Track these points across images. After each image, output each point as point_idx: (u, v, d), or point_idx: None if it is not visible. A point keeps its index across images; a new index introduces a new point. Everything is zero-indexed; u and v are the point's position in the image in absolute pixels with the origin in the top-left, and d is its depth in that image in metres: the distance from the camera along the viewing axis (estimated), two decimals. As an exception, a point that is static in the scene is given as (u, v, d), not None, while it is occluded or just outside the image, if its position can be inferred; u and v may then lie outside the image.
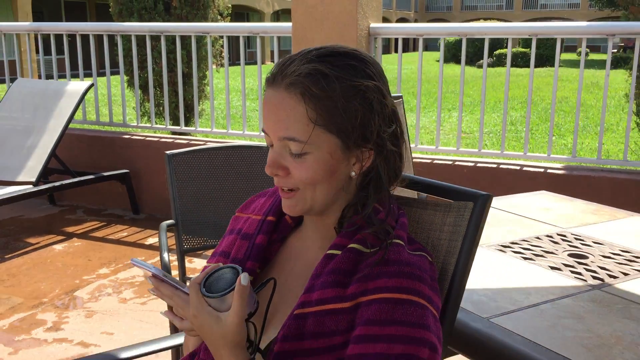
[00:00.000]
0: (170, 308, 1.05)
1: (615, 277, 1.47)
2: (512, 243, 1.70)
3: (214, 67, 4.91)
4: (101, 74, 5.24)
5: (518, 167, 3.73)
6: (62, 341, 2.76)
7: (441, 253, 1.08)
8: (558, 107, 11.15)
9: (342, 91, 0.96)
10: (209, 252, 3.86)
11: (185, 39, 5.16)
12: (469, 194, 1.08)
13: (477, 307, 1.28)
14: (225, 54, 4.39)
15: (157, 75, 5.23)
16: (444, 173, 3.81)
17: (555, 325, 1.20)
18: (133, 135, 4.81)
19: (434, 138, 7.74)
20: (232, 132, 4.58)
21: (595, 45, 31.70)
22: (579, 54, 28.56)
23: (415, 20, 45.38)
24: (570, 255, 1.61)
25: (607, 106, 11.14)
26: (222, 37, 5.12)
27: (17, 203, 4.21)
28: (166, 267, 2.00)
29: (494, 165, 3.78)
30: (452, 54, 23.12)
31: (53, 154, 4.17)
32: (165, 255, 2.04)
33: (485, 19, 31.95)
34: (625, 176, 3.50)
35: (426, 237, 1.10)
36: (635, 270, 1.52)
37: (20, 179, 4.11)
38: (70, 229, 4.32)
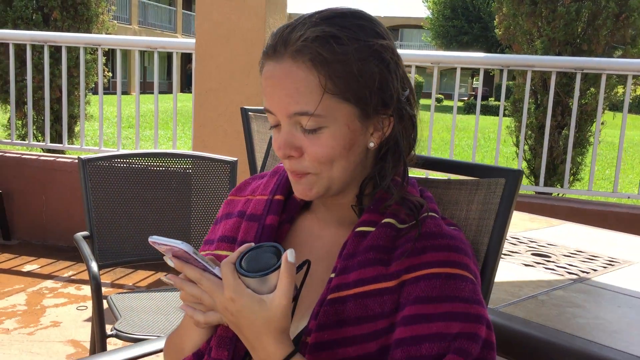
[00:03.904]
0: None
1: (587, 272, 1.49)
2: (476, 244, 1.68)
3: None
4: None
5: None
6: None
7: (470, 232, 1.02)
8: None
9: (356, 53, 0.86)
10: (124, 268, 3.55)
11: (69, 52, 4.79)
12: (498, 170, 1.03)
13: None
14: (118, 68, 4.11)
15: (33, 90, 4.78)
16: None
17: (563, 313, 1.18)
18: (6, 152, 4.34)
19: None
20: (123, 151, 4.27)
21: (447, 93, 34.15)
22: (435, 99, 30.60)
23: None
24: (534, 254, 1.63)
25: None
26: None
27: None
28: (97, 280, 1.75)
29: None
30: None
31: None
32: (94, 265, 1.78)
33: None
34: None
35: (450, 217, 1.03)
36: (600, 266, 1.55)
37: None
38: None
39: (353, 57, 0.85)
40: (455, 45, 29.39)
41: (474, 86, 40.21)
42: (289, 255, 0.81)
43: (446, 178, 1.09)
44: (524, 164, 4.77)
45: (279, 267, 0.81)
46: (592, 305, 1.24)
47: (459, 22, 29.26)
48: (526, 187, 4.13)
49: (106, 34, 5.48)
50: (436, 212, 0.95)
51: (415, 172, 1.15)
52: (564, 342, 1.05)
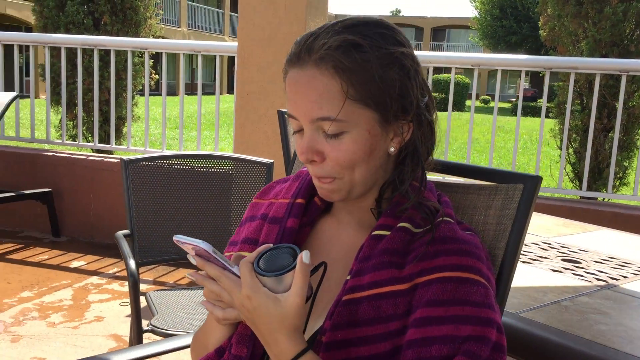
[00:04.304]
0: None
1: (616, 279, 1.47)
2: (505, 249, 1.68)
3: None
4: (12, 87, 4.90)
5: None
6: (-14, 368, 2.47)
7: (488, 237, 1.03)
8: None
9: (377, 60, 0.88)
10: (165, 266, 3.65)
11: (117, 55, 4.95)
12: (517, 176, 1.04)
13: (501, 303, 1.24)
14: (164, 71, 4.23)
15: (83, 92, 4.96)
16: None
17: (585, 320, 1.18)
18: (57, 152, 4.52)
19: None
20: (164, 152, 4.39)
21: (494, 94, 33.50)
22: (482, 101, 30.21)
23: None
24: (564, 260, 1.62)
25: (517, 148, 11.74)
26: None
27: None
28: (134, 277, 1.82)
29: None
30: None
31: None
32: (132, 262, 1.86)
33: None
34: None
35: (468, 221, 1.05)
36: (632, 273, 1.54)
37: None
38: (-16, 251, 3.95)
39: (374, 64, 0.88)
40: (503, 46, 28.88)
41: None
42: (304, 256, 0.84)
43: (469, 183, 1.11)
44: (569, 168, 4.68)
45: (294, 267, 0.84)
46: (617, 312, 1.24)
47: (508, 22, 28.76)
48: (569, 191, 4.06)
49: (153, 37, 5.64)
50: (451, 217, 0.96)
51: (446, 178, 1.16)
52: (581, 347, 1.05)
